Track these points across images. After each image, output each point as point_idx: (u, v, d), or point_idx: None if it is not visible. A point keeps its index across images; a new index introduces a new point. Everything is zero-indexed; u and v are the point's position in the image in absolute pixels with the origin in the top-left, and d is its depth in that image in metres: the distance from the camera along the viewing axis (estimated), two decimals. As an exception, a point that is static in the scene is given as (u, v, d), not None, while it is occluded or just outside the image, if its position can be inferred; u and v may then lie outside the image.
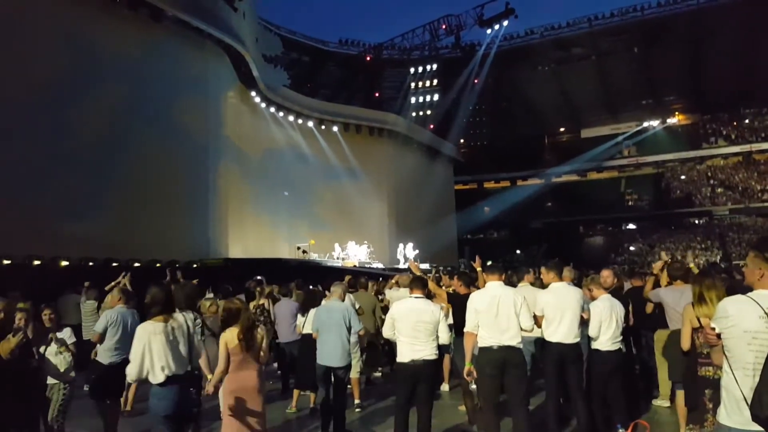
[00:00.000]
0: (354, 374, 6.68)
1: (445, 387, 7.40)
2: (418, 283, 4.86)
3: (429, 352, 4.55)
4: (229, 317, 4.23)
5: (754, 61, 38.22)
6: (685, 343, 3.91)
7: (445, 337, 4.68)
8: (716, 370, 3.60)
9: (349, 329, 5.33)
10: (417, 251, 26.65)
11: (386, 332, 4.82)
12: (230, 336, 4.14)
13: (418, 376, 4.53)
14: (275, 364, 9.31)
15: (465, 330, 4.59)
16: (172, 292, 4.17)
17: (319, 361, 5.42)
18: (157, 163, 18.25)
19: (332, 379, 5.40)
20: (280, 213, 25.83)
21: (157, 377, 3.62)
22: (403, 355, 4.58)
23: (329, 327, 5.34)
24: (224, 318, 4.30)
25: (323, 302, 5.98)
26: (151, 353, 3.62)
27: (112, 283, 7.27)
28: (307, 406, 6.58)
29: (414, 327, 4.55)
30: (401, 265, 23.97)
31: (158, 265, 15.86)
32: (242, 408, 4.07)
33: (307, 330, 6.20)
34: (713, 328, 2.38)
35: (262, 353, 4.27)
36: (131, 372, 3.64)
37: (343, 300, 5.61)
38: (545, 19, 63.28)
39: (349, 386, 7.04)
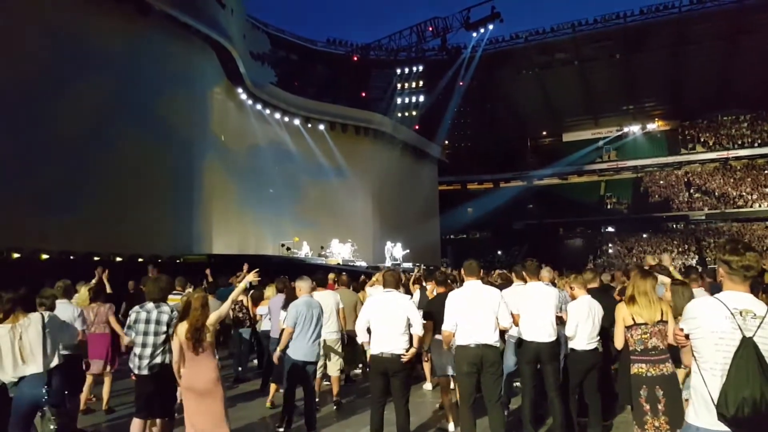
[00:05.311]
0: (334, 372, 6.71)
1: (427, 386, 7.52)
2: (390, 278, 4.94)
3: (399, 346, 4.60)
4: (183, 310, 4.15)
5: (732, 70, 39.19)
6: (619, 342, 3.96)
7: (418, 327, 4.68)
8: (649, 367, 3.71)
9: (321, 325, 5.40)
10: (408, 251, 26.69)
11: (358, 326, 4.84)
12: (180, 330, 4.09)
13: (389, 369, 4.59)
14: (255, 361, 9.35)
15: (443, 329, 4.65)
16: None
17: (293, 356, 5.33)
18: (141, 158, 18.08)
19: (304, 374, 5.36)
20: (265, 210, 25.74)
21: (7, 376, 3.82)
22: (374, 348, 4.67)
23: (307, 322, 5.33)
24: (180, 310, 4.22)
25: (300, 298, 5.95)
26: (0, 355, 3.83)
27: (92, 281, 7.24)
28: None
29: (384, 321, 4.64)
30: (387, 263, 24.10)
31: (140, 260, 15.78)
32: (197, 403, 4.05)
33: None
34: (681, 329, 2.48)
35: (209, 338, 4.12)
36: None
37: (311, 295, 5.63)
38: (530, 24, 64.14)
39: (327, 383, 7.12)
